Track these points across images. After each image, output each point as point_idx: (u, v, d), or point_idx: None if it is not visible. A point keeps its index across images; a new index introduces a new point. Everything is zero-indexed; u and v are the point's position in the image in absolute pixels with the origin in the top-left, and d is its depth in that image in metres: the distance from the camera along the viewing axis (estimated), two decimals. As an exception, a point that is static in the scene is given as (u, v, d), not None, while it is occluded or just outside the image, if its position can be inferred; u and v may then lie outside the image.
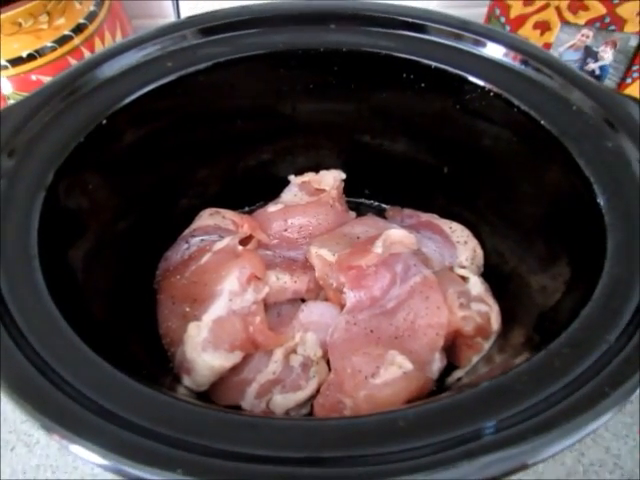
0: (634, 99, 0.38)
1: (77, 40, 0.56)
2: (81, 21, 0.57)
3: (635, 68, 0.65)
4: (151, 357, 0.45)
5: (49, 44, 0.55)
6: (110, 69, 0.43)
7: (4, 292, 0.31)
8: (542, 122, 0.39)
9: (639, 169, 0.35)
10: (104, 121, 0.40)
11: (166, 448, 0.24)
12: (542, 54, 0.42)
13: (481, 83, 0.42)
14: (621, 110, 0.38)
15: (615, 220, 0.34)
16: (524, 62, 0.42)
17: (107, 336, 0.38)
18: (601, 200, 0.35)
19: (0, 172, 0.35)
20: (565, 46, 0.67)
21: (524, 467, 0.24)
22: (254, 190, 0.57)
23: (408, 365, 0.40)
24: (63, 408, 0.26)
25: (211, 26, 0.45)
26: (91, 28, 0.57)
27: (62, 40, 0.56)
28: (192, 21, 0.46)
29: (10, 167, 0.35)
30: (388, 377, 0.40)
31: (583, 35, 0.65)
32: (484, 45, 0.43)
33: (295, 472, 0.24)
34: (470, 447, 0.24)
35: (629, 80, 0.66)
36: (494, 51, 0.43)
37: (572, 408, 0.25)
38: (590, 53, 0.66)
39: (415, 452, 0.24)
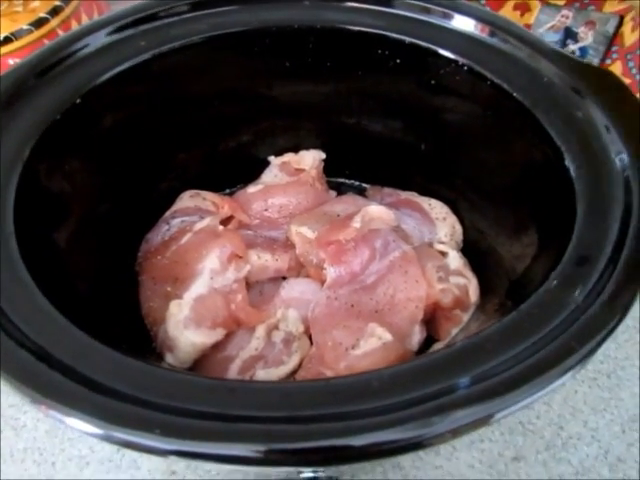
0: (601, 68, 0.39)
1: (54, 22, 0.56)
2: (57, 3, 0.57)
3: (614, 49, 0.65)
4: (133, 338, 0.45)
5: (25, 27, 0.55)
6: (82, 48, 0.42)
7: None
8: (514, 94, 0.40)
9: (607, 137, 0.36)
10: (78, 100, 0.40)
11: (147, 412, 0.25)
12: (509, 25, 0.42)
13: (454, 57, 0.43)
14: (589, 79, 0.39)
15: (584, 187, 0.35)
16: (492, 34, 0.42)
17: (89, 316, 0.38)
18: (571, 168, 0.36)
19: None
20: (545, 27, 0.67)
21: (493, 419, 0.25)
22: (234, 172, 0.58)
23: (387, 336, 0.41)
24: (48, 380, 0.26)
25: (184, 4, 0.45)
26: (67, 10, 0.57)
27: (38, 23, 0.56)
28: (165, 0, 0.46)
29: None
30: (368, 348, 0.41)
31: (563, 16, 0.66)
32: (454, 18, 0.44)
33: (273, 429, 0.24)
34: (442, 402, 0.25)
35: (609, 61, 0.66)
36: (464, 24, 0.44)
37: (541, 363, 0.26)
38: (570, 34, 0.67)
39: (389, 408, 0.25)
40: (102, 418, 0.25)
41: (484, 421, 0.25)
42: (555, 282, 0.30)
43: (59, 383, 0.26)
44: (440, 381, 0.26)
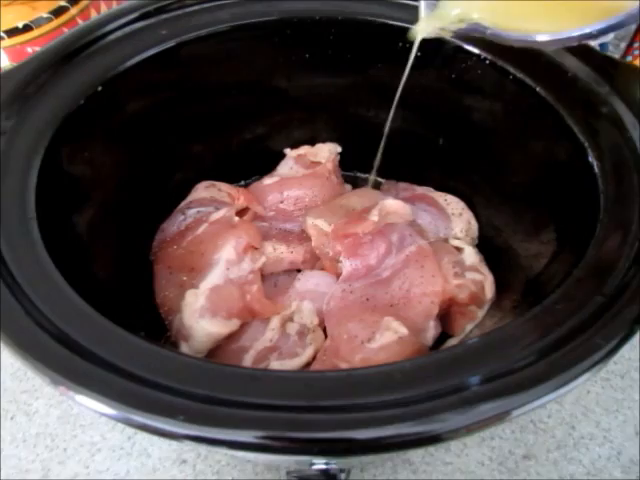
0: (627, 63, 0.38)
1: (73, 11, 0.56)
2: (76, -8, 0.57)
3: (636, 45, 0.64)
4: (148, 326, 0.45)
5: (45, 15, 0.55)
6: (104, 37, 0.42)
7: (4, 253, 0.31)
8: (537, 89, 0.40)
9: (633, 133, 0.36)
10: (99, 88, 0.40)
11: (169, 397, 0.25)
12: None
13: (476, 51, 0.42)
14: (614, 74, 0.38)
15: (608, 184, 0.34)
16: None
17: (106, 302, 0.38)
18: (595, 165, 0.35)
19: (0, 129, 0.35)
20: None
21: (512, 415, 0.24)
22: (250, 164, 0.58)
23: (403, 330, 0.41)
24: (69, 363, 0.26)
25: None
26: (86, -1, 0.57)
27: (58, 11, 0.55)
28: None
29: (9, 127, 0.35)
30: (384, 341, 0.40)
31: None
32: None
33: (295, 418, 0.24)
34: (461, 396, 0.25)
35: (629, 58, 0.65)
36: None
37: (564, 360, 0.26)
38: (590, 30, 0.65)
39: (410, 401, 0.25)
40: (122, 401, 0.25)
41: (504, 416, 0.25)
42: (578, 279, 0.30)
43: (79, 366, 0.26)
44: (461, 375, 0.26)
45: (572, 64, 0.40)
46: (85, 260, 0.39)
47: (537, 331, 0.28)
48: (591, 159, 0.35)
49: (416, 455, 0.48)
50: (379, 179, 0.59)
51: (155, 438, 0.48)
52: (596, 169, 0.35)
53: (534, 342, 0.27)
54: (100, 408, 0.25)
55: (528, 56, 0.41)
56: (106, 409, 0.25)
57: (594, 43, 0.63)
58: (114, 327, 0.29)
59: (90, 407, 0.25)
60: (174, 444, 0.48)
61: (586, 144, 0.36)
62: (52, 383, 0.26)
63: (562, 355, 0.26)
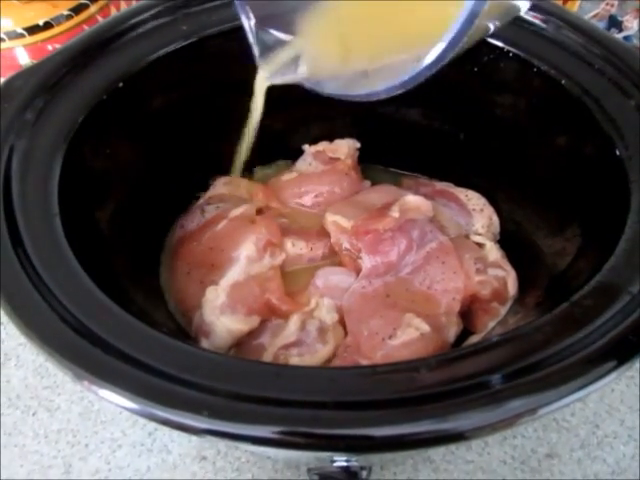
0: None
1: (93, 8, 0.57)
2: (96, -11, 0.57)
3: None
4: (169, 322, 0.45)
5: (65, 12, 0.55)
6: (124, 34, 0.42)
7: (29, 250, 0.31)
8: (562, 82, 0.39)
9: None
10: (121, 84, 0.40)
11: (193, 392, 0.25)
12: (562, 12, 0.41)
13: (500, 44, 0.42)
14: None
15: (638, 177, 0.33)
16: (545, 21, 0.41)
17: (128, 298, 0.38)
18: (624, 158, 0.35)
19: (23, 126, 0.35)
20: (589, 15, 0.65)
21: (537, 414, 0.24)
22: (269, 160, 0.57)
23: (425, 327, 0.40)
24: (92, 357, 0.27)
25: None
26: (106, -4, 0.58)
27: (78, 8, 0.56)
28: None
29: (32, 124, 0.36)
30: (405, 338, 0.40)
31: (607, 4, 0.64)
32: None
33: (317, 414, 0.24)
34: (485, 394, 0.24)
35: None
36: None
37: (594, 356, 0.25)
38: (614, 23, 0.64)
39: (434, 397, 0.24)
40: (146, 396, 0.25)
41: (530, 414, 0.24)
42: (608, 274, 0.29)
43: (103, 360, 0.26)
44: (486, 372, 0.25)
45: (598, 56, 0.39)
46: (107, 256, 0.39)
47: (565, 327, 0.27)
48: (620, 152, 0.35)
49: (437, 453, 0.48)
50: (399, 171, 0.58)
51: (175, 434, 0.48)
52: (625, 163, 0.34)
53: (562, 339, 0.27)
54: (123, 403, 0.25)
55: (553, 49, 0.40)
56: (129, 404, 0.25)
57: (618, 36, 0.62)
58: (137, 322, 0.29)
59: (113, 401, 0.25)
60: (194, 440, 0.48)
61: (614, 137, 0.35)
62: (76, 377, 0.26)
63: (591, 352, 0.26)
